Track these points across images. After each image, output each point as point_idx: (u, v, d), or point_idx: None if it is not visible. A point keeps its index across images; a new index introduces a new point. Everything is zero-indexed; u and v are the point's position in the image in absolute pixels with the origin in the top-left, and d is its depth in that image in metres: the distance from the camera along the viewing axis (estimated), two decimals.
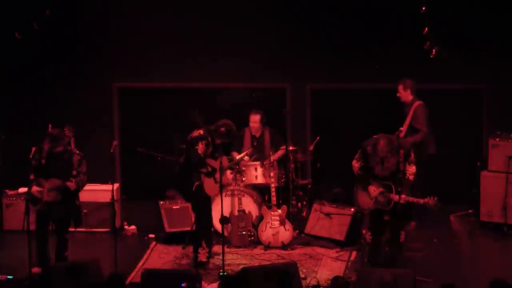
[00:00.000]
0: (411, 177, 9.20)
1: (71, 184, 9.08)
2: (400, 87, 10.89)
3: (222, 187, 9.45)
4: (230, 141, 9.95)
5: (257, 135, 11.14)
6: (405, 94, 10.90)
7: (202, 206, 9.66)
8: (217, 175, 9.50)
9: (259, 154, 10.98)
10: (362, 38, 11.92)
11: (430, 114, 11.06)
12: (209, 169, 9.55)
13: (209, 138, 9.53)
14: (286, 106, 12.07)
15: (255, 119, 11.04)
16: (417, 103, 10.84)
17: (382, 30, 11.85)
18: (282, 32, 12.10)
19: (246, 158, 10.77)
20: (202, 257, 9.59)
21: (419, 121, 10.72)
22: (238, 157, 10.68)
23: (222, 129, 9.51)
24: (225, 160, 9.79)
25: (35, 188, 9.08)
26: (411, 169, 9.20)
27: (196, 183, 9.52)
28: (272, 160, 10.65)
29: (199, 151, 9.46)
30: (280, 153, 10.97)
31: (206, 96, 12.45)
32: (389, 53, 11.83)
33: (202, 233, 9.66)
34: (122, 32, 12.18)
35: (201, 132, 9.56)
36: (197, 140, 9.49)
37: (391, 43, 11.83)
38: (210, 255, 9.68)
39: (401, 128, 10.36)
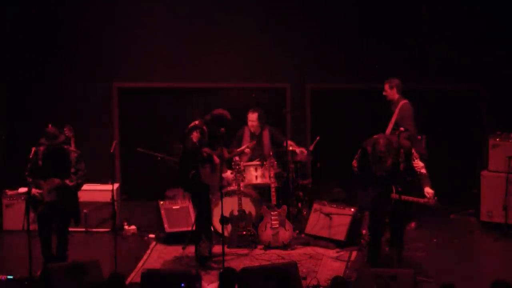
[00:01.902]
0: (423, 171, 9.18)
1: (70, 179, 9.05)
2: (387, 86, 10.87)
3: (221, 186, 9.45)
4: (226, 129, 9.88)
5: (257, 133, 11.15)
6: (391, 93, 10.88)
7: (200, 196, 9.66)
8: (215, 164, 9.55)
9: (258, 152, 10.99)
10: (363, 38, 11.94)
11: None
12: (205, 155, 9.57)
13: (204, 127, 9.57)
14: (286, 106, 12.07)
15: (253, 118, 11.07)
16: (403, 101, 10.82)
17: (382, 30, 11.86)
18: (282, 32, 12.11)
19: (247, 150, 10.80)
20: (204, 251, 9.59)
21: (406, 120, 10.68)
22: (239, 149, 10.71)
23: (222, 129, 9.53)
24: (225, 152, 9.84)
25: (34, 191, 9.07)
26: (419, 164, 9.19)
27: (192, 172, 9.53)
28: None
29: (194, 140, 9.52)
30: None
31: (206, 96, 12.45)
32: (389, 53, 11.84)
33: (200, 226, 9.66)
34: (122, 32, 12.20)
35: (196, 122, 9.64)
36: (191, 130, 9.57)
37: (392, 43, 11.84)
38: (211, 249, 9.66)
39: (401, 128, 10.34)
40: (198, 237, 9.66)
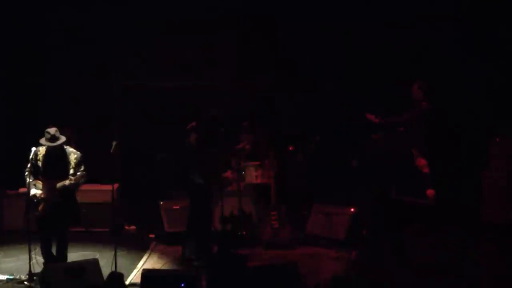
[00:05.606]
0: (425, 169, 9.20)
1: (69, 180, 9.04)
2: (415, 86, 10.71)
3: (222, 186, 9.47)
4: (220, 130, 9.94)
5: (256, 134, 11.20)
6: (419, 95, 10.74)
7: (198, 199, 9.68)
8: (213, 165, 9.59)
9: (256, 153, 11.01)
10: (363, 39, 11.95)
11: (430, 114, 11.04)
12: (203, 157, 9.62)
13: (200, 129, 9.62)
14: (282, 107, 12.08)
15: (259, 131, 11.12)
16: (424, 104, 10.78)
17: (382, 31, 11.88)
18: (282, 32, 12.13)
19: (248, 146, 10.84)
20: (190, 253, 9.61)
21: (408, 111, 10.61)
22: (239, 146, 10.76)
23: (222, 129, 9.60)
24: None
25: (34, 191, 9.06)
26: (420, 162, 9.21)
27: (191, 174, 9.56)
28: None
29: (192, 142, 9.57)
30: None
31: (205, 96, 12.46)
32: (388, 54, 11.86)
33: (192, 228, 9.68)
34: (123, 33, 12.21)
35: (193, 124, 9.69)
36: (189, 132, 9.61)
37: (391, 43, 11.86)
38: (201, 253, 9.64)
39: (401, 128, 10.34)
40: (188, 238, 9.67)
